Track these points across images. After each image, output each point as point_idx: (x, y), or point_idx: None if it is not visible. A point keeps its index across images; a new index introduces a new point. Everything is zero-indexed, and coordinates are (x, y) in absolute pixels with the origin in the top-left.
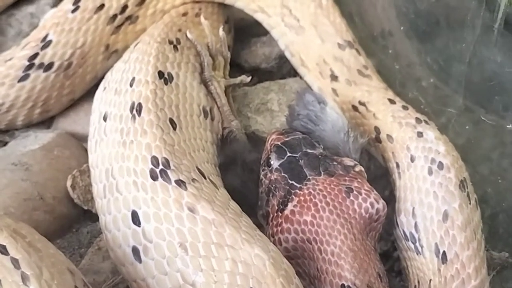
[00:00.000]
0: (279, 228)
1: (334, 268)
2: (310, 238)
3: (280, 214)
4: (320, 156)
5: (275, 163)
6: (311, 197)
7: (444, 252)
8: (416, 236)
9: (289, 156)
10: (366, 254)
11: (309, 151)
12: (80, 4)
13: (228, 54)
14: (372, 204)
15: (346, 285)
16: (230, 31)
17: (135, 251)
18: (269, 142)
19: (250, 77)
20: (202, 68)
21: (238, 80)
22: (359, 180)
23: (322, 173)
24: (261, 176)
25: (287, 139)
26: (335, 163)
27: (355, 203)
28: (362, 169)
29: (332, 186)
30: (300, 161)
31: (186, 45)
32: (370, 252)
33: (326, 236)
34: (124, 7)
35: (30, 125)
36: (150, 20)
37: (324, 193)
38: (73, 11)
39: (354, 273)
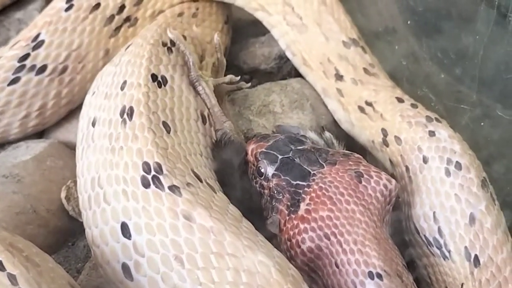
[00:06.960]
0: (296, 230)
1: (359, 257)
2: (328, 233)
3: (293, 216)
4: (313, 150)
5: (268, 170)
6: (323, 191)
7: (476, 256)
8: (441, 241)
9: (282, 158)
10: (388, 244)
11: (299, 147)
12: (74, 2)
13: (223, 60)
14: (385, 186)
15: (374, 272)
16: (229, 31)
17: (125, 268)
18: (250, 153)
19: (239, 77)
20: (188, 68)
21: (227, 78)
22: (363, 163)
23: (324, 164)
24: (257, 188)
25: (269, 143)
26: (331, 153)
27: (368, 188)
28: (360, 156)
29: (340, 174)
30: (296, 159)
31: (181, 46)
32: (390, 242)
33: (347, 226)
34: (122, 7)
35: (25, 138)
36: (150, 22)
37: (336, 183)
38: (67, 9)
39: (382, 259)
